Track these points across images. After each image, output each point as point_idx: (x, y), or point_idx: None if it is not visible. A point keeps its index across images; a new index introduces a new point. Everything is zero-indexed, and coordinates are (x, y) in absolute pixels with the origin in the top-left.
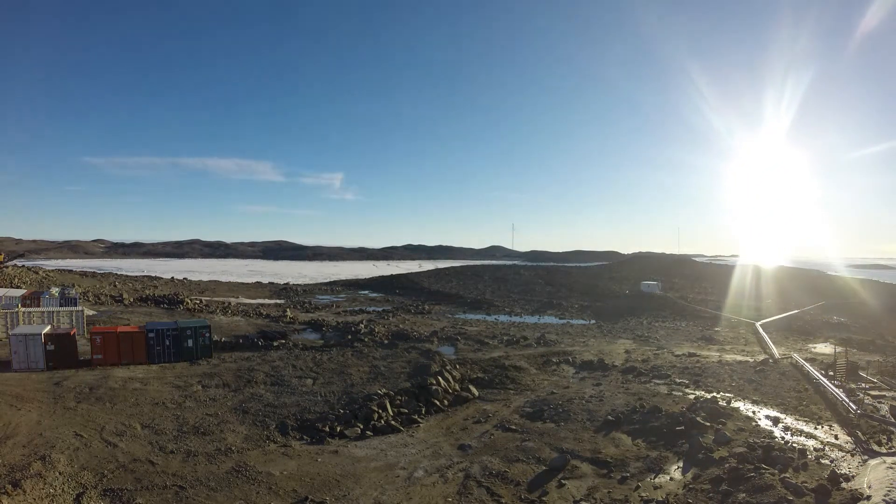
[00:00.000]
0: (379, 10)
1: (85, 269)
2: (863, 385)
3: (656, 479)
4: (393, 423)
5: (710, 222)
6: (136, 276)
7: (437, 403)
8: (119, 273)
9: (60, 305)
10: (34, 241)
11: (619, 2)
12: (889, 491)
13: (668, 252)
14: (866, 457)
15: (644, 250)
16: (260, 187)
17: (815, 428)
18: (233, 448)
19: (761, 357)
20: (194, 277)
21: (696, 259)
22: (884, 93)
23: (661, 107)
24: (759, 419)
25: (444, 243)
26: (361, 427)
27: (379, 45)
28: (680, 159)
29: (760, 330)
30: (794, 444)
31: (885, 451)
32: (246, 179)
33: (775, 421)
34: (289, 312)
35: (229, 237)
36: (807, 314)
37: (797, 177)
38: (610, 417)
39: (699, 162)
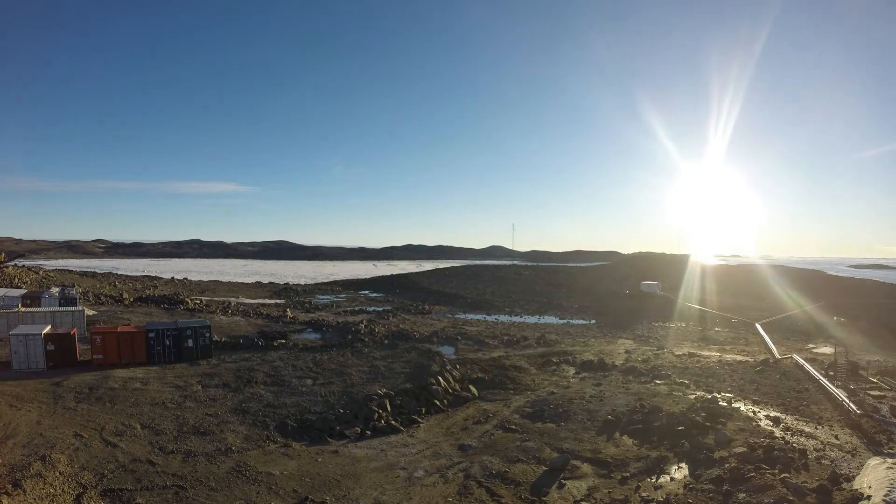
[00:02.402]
0: (382, 10)
1: (85, 269)
2: (863, 385)
3: (657, 480)
4: (393, 423)
5: (709, 223)
6: (136, 276)
7: (438, 403)
8: (119, 273)
9: (60, 305)
10: (34, 241)
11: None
12: (889, 491)
13: (668, 252)
14: (867, 457)
15: (644, 250)
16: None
17: (816, 428)
18: (233, 448)
19: (761, 357)
20: (194, 277)
21: (697, 259)
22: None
23: (659, 106)
24: (760, 419)
25: (444, 243)
26: (361, 427)
27: (377, 45)
28: (672, 161)
29: (761, 330)
30: (795, 445)
31: (885, 451)
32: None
33: (776, 421)
34: (289, 312)
35: (229, 237)
36: (806, 314)
37: (796, 180)
38: (610, 417)
39: (691, 164)
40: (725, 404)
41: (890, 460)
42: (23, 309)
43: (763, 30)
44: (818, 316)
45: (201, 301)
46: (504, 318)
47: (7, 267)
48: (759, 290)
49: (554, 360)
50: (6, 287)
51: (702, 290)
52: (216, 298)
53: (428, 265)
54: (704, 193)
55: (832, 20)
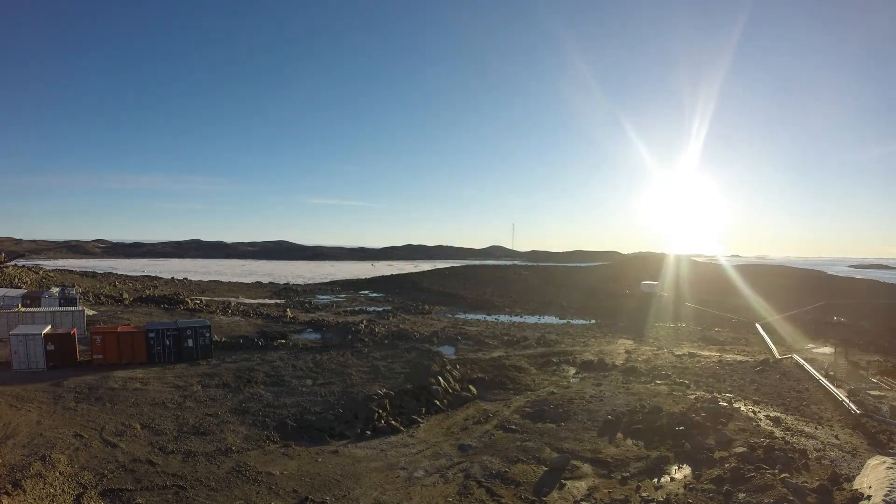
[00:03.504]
0: (385, 10)
1: (85, 269)
2: (863, 385)
3: (657, 480)
4: (393, 423)
5: (708, 223)
6: (136, 276)
7: (438, 403)
8: (119, 273)
9: (60, 305)
10: (34, 241)
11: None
12: (889, 491)
13: (668, 252)
14: (867, 457)
15: (644, 250)
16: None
17: (816, 428)
18: (233, 448)
19: (761, 357)
20: (194, 277)
21: (696, 259)
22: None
23: (661, 104)
24: (760, 419)
25: (444, 243)
26: (361, 427)
27: (379, 46)
28: (673, 163)
29: (761, 330)
30: (795, 445)
31: (886, 451)
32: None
33: (776, 421)
34: (289, 312)
35: (229, 237)
36: (807, 314)
37: (796, 180)
38: (610, 417)
39: (692, 165)
40: (726, 404)
41: (890, 460)
42: (23, 309)
43: (762, 26)
44: (818, 316)
45: (201, 301)
46: (504, 318)
47: (7, 267)
48: (758, 290)
49: (554, 360)
50: (6, 287)
51: (701, 290)
52: (216, 298)
53: (427, 265)
54: (704, 194)
55: (833, 20)
